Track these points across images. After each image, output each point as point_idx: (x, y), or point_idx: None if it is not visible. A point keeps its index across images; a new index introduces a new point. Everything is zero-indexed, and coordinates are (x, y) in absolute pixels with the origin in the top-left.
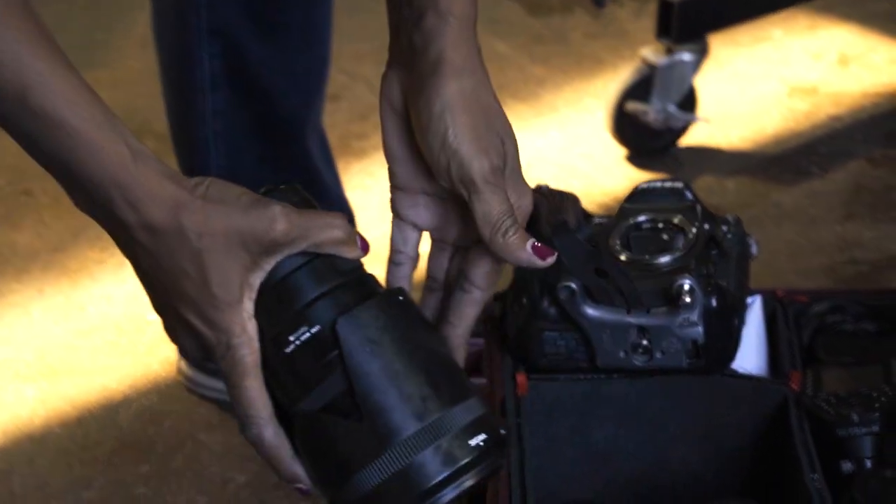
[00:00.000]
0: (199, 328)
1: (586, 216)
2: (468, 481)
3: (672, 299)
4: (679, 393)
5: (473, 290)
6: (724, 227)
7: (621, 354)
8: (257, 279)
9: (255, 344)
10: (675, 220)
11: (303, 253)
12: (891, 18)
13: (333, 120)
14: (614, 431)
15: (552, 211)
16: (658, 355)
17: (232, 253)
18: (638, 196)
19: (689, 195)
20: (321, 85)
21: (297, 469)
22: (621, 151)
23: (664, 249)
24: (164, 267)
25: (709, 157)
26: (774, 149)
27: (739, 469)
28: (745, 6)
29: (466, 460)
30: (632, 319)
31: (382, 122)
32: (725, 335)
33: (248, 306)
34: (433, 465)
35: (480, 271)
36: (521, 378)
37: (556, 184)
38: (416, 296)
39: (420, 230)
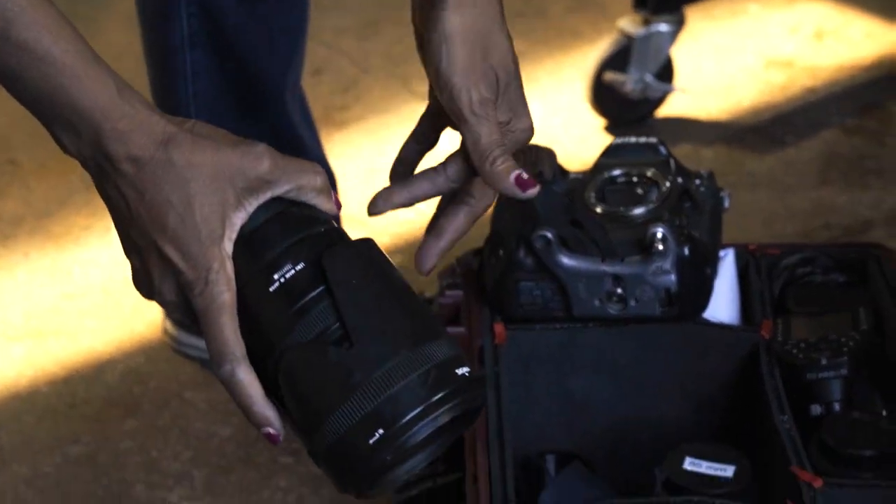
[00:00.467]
0: (178, 263)
1: (562, 172)
2: (454, 410)
3: (646, 248)
4: (653, 341)
5: (471, 202)
6: (698, 181)
7: (596, 303)
8: (239, 218)
9: (233, 283)
10: (649, 174)
11: (281, 200)
12: None
13: (316, 93)
14: (590, 380)
15: (528, 164)
16: (632, 304)
17: (218, 187)
18: (613, 151)
19: (662, 150)
20: (300, 46)
21: (268, 412)
22: (600, 122)
23: (638, 202)
24: (147, 200)
25: (685, 128)
26: (750, 119)
27: (713, 415)
28: None
29: (453, 387)
30: (606, 268)
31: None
32: (698, 284)
33: (228, 246)
34: (421, 391)
35: (480, 185)
36: (498, 328)
37: None
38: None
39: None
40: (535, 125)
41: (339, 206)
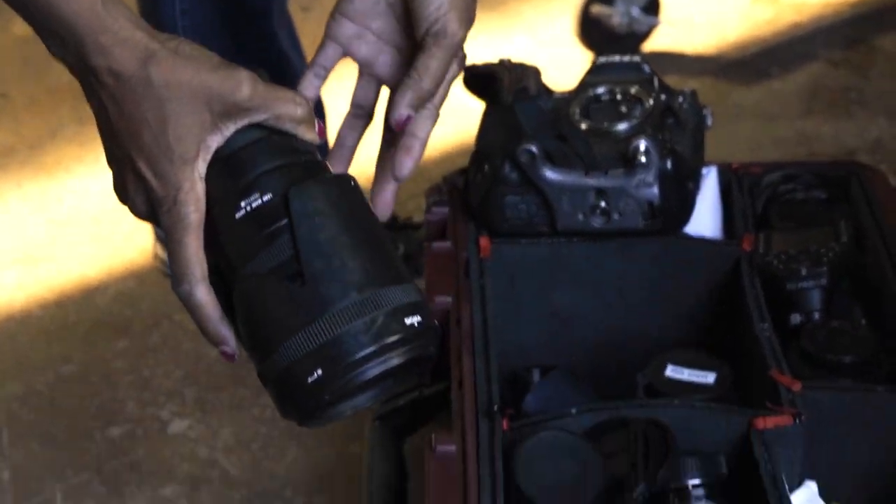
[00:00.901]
0: (150, 180)
1: (548, 90)
2: (396, 359)
3: (629, 161)
4: (637, 255)
5: (430, 108)
6: (681, 99)
7: (580, 217)
8: (214, 142)
9: (202, 205)
10: (633, 91)
11: (261, 127)
12: None
13: (304, 30)
14: (574, 294)
15: (514, 81)
16: (615, 217)
17: (194, 108)
18: (597, 70)
19: (646, 68)
20: None
21: (224, 331)
22: (587, 55)
23: (622, 118)
24: (125, 114)
25: (672, 61)
26: (736, 53)
27: (695, 327)
28: None
29: (398, 336)
30: (590, 181)
31: None
32: (680, 197)
33: (201, 167)
34: (364, 337)
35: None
36: (483, 241)
37: None
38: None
39: (345, 56)
40: (523, 60)
41: (322, 137)
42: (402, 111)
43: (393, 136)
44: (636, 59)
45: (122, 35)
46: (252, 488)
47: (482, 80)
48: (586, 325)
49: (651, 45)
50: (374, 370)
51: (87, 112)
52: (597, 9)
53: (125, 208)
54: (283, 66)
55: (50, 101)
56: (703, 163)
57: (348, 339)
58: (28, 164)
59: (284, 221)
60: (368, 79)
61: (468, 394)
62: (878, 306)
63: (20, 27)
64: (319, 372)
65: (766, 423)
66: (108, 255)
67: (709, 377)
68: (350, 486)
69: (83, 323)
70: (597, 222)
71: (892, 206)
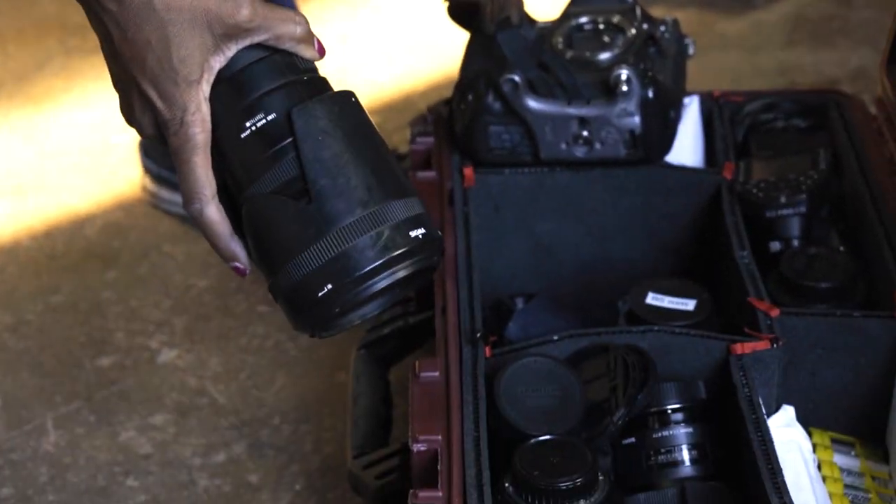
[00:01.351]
0: (156, 103)
1: (530, 20)
2: (402, 271)
3: (611, 90)
4: (618, 184)
5: None
6: (662, 28)
7: (563, 146)
8: (217, 62)
9: (208, 124)
10: (616, 21)
11: (262, 47)
12: None
13: None
14: (557, 224)
15: (497, 10)
16: (598, 146)
17: (196, 30)
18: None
19: None
20: None
21: (236, 247)
22: None
23: (605, 47)
24: (129, 38)
25: None
26: None
27: (676, 256)
28: None
29: (403, 249)
30: (572, 110)
31: None
32: (661, 126)
33: (206, 88)
34: (371, 251)
35: None
36: (468, 171)
37: None
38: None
39: None
40: None
41: (322, 52)
42: None
43: None
44: None
45: None
46: (240, 416)
47: (466, 9)
48: (569, 254)
49: None
50: (381, 283)
51: (75, 44)
52: None
53: (113, 140)
54: None
55: (36, 33)
56: (684, 92)
57: (356, 254)
58: (16, 96)
59: (289, 140)
60: None
61: (451, 321)
62: (856, 233)
63: None
64: (329, 286)
65: (744, 348)
66: (97, 185)
67: (689, 304)
68: (337, 414)
69: (72, 254)
70: (579, 151)
71: (870, 134)
